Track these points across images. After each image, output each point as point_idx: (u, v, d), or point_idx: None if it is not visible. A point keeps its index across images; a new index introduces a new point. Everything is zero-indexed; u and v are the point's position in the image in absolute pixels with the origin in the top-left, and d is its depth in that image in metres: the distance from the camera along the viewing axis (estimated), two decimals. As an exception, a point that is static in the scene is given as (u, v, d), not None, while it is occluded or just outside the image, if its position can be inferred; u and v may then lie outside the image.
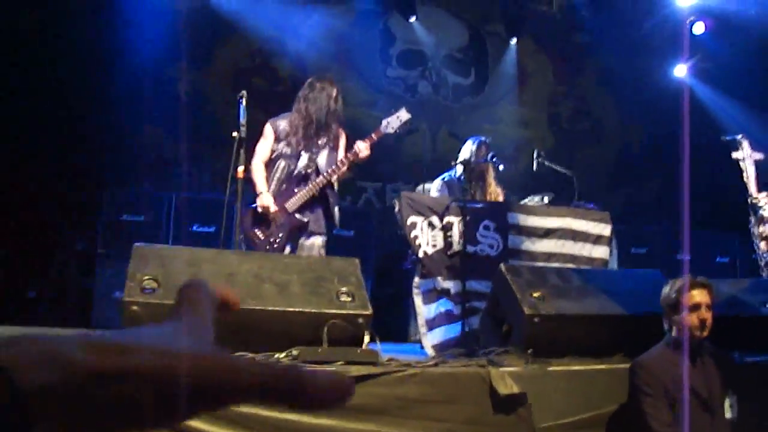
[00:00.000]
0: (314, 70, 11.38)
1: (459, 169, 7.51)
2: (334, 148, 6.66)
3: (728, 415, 4.49)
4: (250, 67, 11.35)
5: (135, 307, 4.08)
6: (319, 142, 6.58)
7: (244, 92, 6.32)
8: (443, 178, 7.70)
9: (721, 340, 4.63)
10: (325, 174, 6.46)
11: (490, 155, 7.40)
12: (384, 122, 6.68)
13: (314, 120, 6.53)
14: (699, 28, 12.21)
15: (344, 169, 6.54)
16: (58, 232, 9.24)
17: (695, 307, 4.48)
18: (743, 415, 4.53)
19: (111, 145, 9.82)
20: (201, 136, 10.26)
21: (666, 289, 4.63)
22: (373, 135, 6.56)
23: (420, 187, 8.38)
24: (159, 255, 4.48)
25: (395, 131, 6.74)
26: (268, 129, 6.65)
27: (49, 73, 9.26)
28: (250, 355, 4.10)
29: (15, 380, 0.53)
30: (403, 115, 6.67)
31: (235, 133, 6.08)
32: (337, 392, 0.68)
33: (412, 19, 12.23)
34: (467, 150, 7.68)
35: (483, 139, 7.79)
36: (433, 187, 7.75)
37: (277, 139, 6.60)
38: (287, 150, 6.55)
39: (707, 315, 4.50)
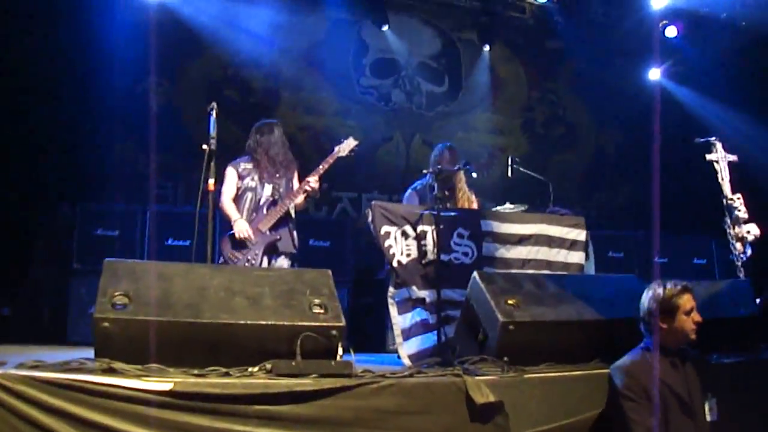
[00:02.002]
0: (287, 80, 11.43)
1: (430, 178, 7.47)
2: (290, 179, 7.31)
3: (709, 417, 4.48)
4: (222, 78, 11.29)
5: (106, 324, 4.03)
6: (278, 174, 7.21)
7: (214, 104, 6.30)
8: (414, 187, 7.68)
9: (698, 342, 4.61)
10: (286, 200, 7.06)
11: (462, 162, 7.36)
12: (336, 148, 7.26)
13: (269, 161, 7.20)
14: (671, 32, 12.29)
15: (300, 198, 7.17)
16: (32, 248, 9.15)
17: (690, 311, 4.49)
18: (723, 416, 4.53)
19: (84, 161, 9.74)
20: (173, 150, 10.21)
21: (656, 294, 4.57)
22: (323, 164, 7.12)
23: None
24: (130, 270, 4.43)
25: (346, 155, 7.28)
26: (230, 171, 7.26)
27: (21, 90, 9.17)
28: (223, 369, 4.06)
29: None
30: (351, 142, 7.29)
31: (205, 146, 6.04)
32: None
33: (385, 27, 12.21)
34: (433, 157, 7.70)
35: (448, 144, 7.81)
36: (405, 197, 7.74)
37: (240, 177, 7.20)
38: (252, 183, 7.17)
39: (699, 318, 4.51)
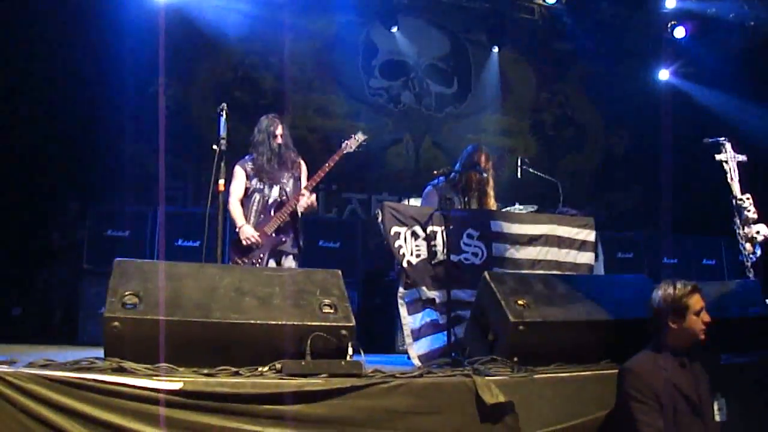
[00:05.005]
0: (297, 82, 11.42)
1: (454, 176, 7.43)
2: (298, 178, 7.25)
3: (717, 418, 4.47)
4: (231, 80, 11.32)
5: (116, 323, 4.03)
6: (286, 174, 7.18)
7: (224, 105, 6.34)
8: (434, 184, 7.54)
9: (707, 342, 4.60)
10: (292, 202, 7.02)
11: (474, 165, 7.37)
12: (344, 143, 7.24)
13: (269, 158, 7.12)
14: (680, 33, 12.30)
15: (304, 200, 7.07)
16: (43, 248, 9.18)
17: (699, 311, 4.47)
18: (732, 417, 4.51)
19: (94, 161, 9.77)
20: (183, 151, 10.23)
21: (666, 294, 4.56)
22: (330, 161, 7.09)
23: (405, 202, 8.38)
24: (140, 270, 4.43)
25: (354, 150, 7.28)
26: (238, 170, 7.16)
27: (32, 91, 9.20)
28: (233, 369, 4.07)
29: None
30: (360, 136, 7.28)
31: (215, 147, 6.07)
32: None
33: (394, 29, 12.19)
34: (465, 155, 7.65)
35: (477, 145, 7.78)
36: (424, 193, 7.68)
37: (248, 177, 7.13)
38: (260, 185, 7.10)
39: (708, 318, 4.49)
